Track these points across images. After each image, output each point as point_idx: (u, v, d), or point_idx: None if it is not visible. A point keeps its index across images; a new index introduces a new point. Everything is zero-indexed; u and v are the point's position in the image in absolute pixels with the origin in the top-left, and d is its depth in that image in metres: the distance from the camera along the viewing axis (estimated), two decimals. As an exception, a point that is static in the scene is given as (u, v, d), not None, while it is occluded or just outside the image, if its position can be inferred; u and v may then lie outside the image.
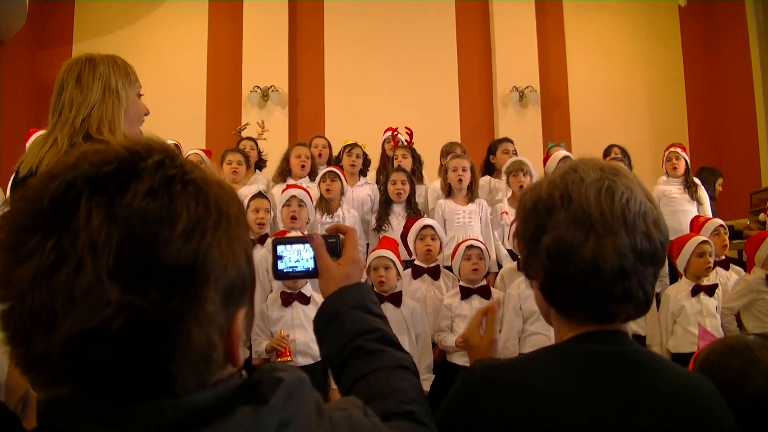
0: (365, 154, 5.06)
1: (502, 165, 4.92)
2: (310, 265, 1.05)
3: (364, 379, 0.93)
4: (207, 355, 0.56)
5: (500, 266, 4.27)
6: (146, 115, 2.13)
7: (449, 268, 3.82)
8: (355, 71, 7.37)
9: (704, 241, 3.68)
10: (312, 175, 4.78)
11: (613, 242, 0.92)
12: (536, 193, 0.99)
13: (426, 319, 3.51)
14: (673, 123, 7.69)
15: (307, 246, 1.05)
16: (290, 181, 4.64)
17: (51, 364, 0.52)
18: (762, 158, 7.11)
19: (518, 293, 3.44)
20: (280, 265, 1.05)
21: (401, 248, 3.92)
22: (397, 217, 4.40)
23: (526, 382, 0.92)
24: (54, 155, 1.83)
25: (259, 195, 3.99)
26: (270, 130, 5.91)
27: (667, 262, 3.05)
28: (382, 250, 3.48)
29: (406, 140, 5.23)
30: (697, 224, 4.16)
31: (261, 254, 3.63)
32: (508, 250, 4.34)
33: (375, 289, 3.40)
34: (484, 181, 5.09)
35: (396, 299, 3.40)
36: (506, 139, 5.43)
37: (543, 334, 3.28)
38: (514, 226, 3.85)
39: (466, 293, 3.52)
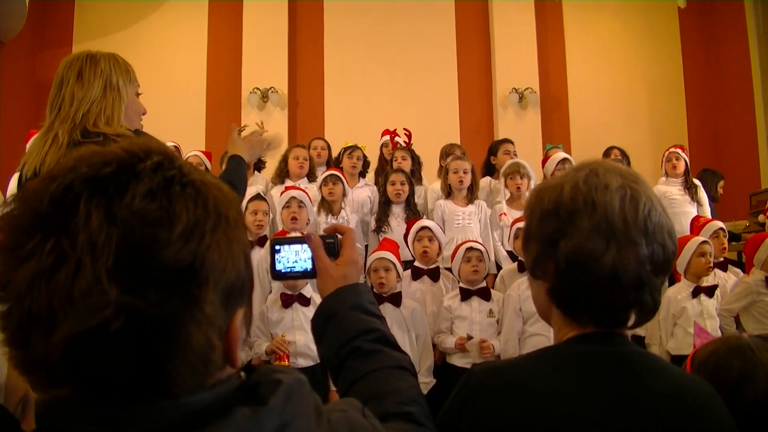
0: (364, 156, 5.06)
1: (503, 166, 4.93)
2: (308, 265, 1.05)
3: (362, 380, 0.93)
4: (206, 356, 0.56)
5: (499, 267, 4.27)
6: (144, 114, 2.13)
7: (449, 270, 3.81)
8: (354, 73, 7.36)
9: (704, 242, 3.68)
10: (310, 176, 4.79)
11: (634, 252, 0.92)
12: (557, 195, 0.97)
13: (426, 319, 3.51)
14: (672, 124, 7.68)
15: (305, 246, 1.05)
16: (288, 183, 4.64)
17: (50, 365, 0.52)
18: (761, 159, 7.11)
19: (518, 294, 3.44)
20: (278, 266, 1.05)
21: (404, 249, 3.93)
22: (396, 219, 4.40)
23: (525, 383, 0.92)
24: (55, 153, 1.82)
25: (257, 197, 3.98)
26: (270, 131, 5.89)
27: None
28: (382, 252, 3.48)
29: (404, 142, 5.23)
30: (697, 225, 4.16)
31: (261, 255, 3.63)
32: (508, 252, 4.34)
33: (375, 290, 3.40)
34: (485, 182, 5.10)
35: (396, 299, 3.40)
36: (507, 140, 5.43)
37: (543, 335, 3.28)
38: (519, 224, 3.85)
39: (465, 295, 3.52)
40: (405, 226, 4.27)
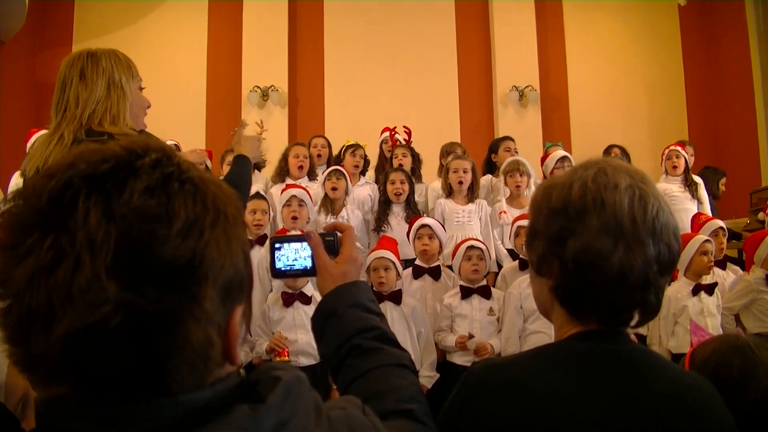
0: (365, 154, 5.06)
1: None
2: (308, 263, 1.05)
3: (362, 378, 0.93)
4: (205, 352, 0.56)
5: (500, 266, 4.27)
6: (148, 107, 2.12)
7: (450, 267, 3.81)
8: (354, 71, 7.36)
9: (706, 240, 3.68)
10: (311, 174, 4.78)
11: (641, 252, 0.92)
12: (566, 193, 0.97)
13: (427, 317, 3.51)
14: (672, 123, 7.68)
15: (305, 244, 1.05)
16: (289, 181, 4.64)
17: (49, 362, 0.52)
18: (762, 157, 7.11)
19: (519, 292, 3.44)
20: (278, 264, 1.05)
21: (408, 248, 3.93)
22: (396, 217, 4.39)
23: (525, 381, 0.92)
24: (59, 152, 1.81)
25: (257, 196, 3.95)
26: (270, 129, 5.90)
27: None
28: (382, 251, 3.47)
29: (404, 139, 5.23)
30: (697, 223, 4.15)
31: (261, 254, 3.63)
32: (508, 250, 4.34)
33: (374, 289, 3.40)
34: (485, 179, 5.09)
35: (396, 298, 3.40)
36: (508, 138, 5.43)
37: (544, 333, 3.29)
38: (520, 222, 3.85)
39: (466, 293, 3.52)
40: (405, 224, 4.28)
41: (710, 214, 4.59)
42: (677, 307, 3.57)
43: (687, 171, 5.02)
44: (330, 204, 4.35)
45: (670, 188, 4.88)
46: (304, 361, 3.21)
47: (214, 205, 0.58)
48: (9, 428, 0.72)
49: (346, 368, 0.96)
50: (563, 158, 4.79)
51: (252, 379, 0.61)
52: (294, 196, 3.92)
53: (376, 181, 4.98)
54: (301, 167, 4.72)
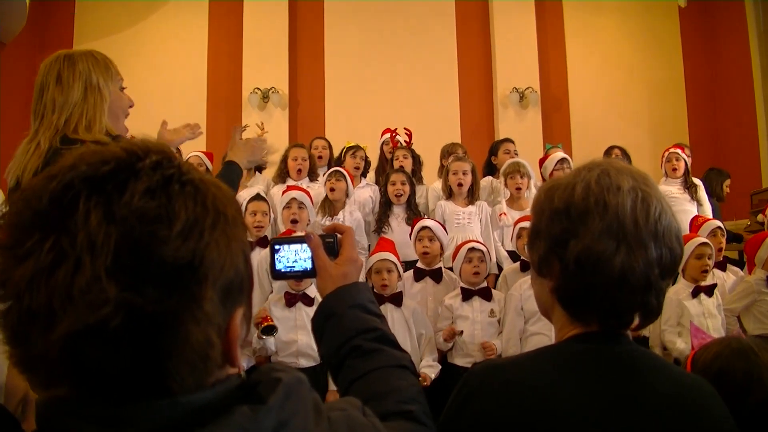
0: (366, 156, 5.07)
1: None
2: (308, 265, 1.05)
3: (362, 379, 0.93)
4: (205, 353, 0.56)
5: (500, 268, 4.27)
6: (131, 107, 2.08)
7: (451, 269, 3.81)
8: (355, 73, 7.37)
9: (704, 243, 3.65)
10: (312, 175, 4.78)
11: (643, 255, 0.92)
12: (568, 194, 0.97)
13: (427, 319, 3.51)
14: (673, 124, 7.68)
15: (305, 246, 1.05)
16: (290, 182, 4.64)
17: (49, 363, 0.53)
18: (762, 159, 7.11)
19: (520, 293, 3.45)
20: (278, 265, 1.06)
21: (411, 249, 3.93)
22: (397, 219, 4.39)
23: (525, 382, 0.92)
24: (36, 160, 1.79)
25: (257, 197, 3.94)
26: (270, 131, 5.91)
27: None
28: (384, 253, 3.47)
29: (405, 141, 5.24)
30: (696, 224, 4.15)
31: (261, 256, 3.62)
32: (509, 251, 4.34)
33: (377, 291, 3.41)
34: (486, 181, 5.09)
35: (396, 299, 3.40)
36: (507, 140, 5.44)
37: (544, 335, 3.29)
38: (522, 223, 3.85)
39: (467, 295, 3.52)
40: (405, 226, 4.28)
41: (710, 216, 4.59)
42: (678, 309, 3.55)
43: (687, 173, 5.02)
44: (329, 205, 4.35)
45: (670, 190, 4.88)
46: (304, 363, 3.21)
47: (214, 206, 0.58)
48: (9, 430, 0.72)
49: (346, 369, 0.96)
50: (562, 160, 4.79)
51: (252, 380, 0.61)
52: (294, 199, 3.92)
53: (376, 183, 4.98)
54: (299, 170, 4.72)
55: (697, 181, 5.09)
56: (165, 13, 7.31)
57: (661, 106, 7.75)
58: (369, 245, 4.40)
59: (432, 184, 5.02)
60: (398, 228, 4.32)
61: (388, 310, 3.36)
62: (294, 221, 3.85)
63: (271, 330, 3.11)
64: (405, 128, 5.31)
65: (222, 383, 0.59)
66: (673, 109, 7.78)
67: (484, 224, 4.43)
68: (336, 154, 5.29)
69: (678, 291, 3.61)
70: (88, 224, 0.52)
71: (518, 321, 3.44)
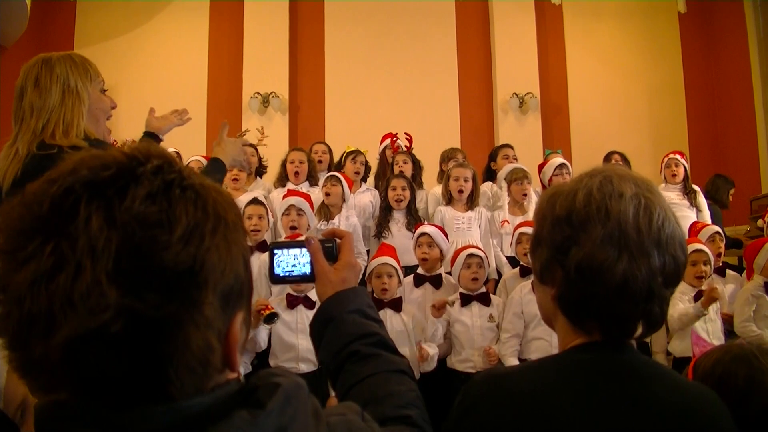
0: (366, 161, 5.07)
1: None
2: (307, 269, 1.05)
3: (360, 384, 0.93)
4: (205, 358, 0.56)
5: (499, 274, 4.27)
6: (113, 108, 2.07)
7: (450, 273, 3.81)
8: (355, 78, 7.38)
9: (697, 250, 3.63)
10: (311, 180, 4.79)
11: (645, 263, 0.91)
12: (570, 201, 0.96)
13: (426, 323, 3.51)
14: (673, 129, 7.69)
15: (304, 250, 1.05)
16: (290, 186, 4.65)
17: (49, 367, 0.53)
18: (762, 164, 7.12)
19: (520, 297, 3.46)
20: (277, 270, 1.05)
21: (408, 255, 3.93)
22: (397, 224, 4.39)
23: (527, 392, 0.91)
24: (15, 166, 1.79)
25: (254, 201, 3.92)
26: (270, 136, 5.91)
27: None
28: (384, 257, 3.47)
29: (405, 146, 5.24)
30: (694, 230, 4.15)
31: (259, 260, 3.62)
32: (509, 257, 4.33)
33: (377, 296, 3.40)
34: (486, 186, 5.09)
35: (396, 305, 3.40)
36: (506, 145, 5.43)
37: (544, 339, 3.30)
38: (521, 229, 3.85)
39: (465, 300, 3.52)
40: (405, 231, 4.28)
41: (709, 222, 4.59)
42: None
43: (686, 179, 5.02)
44: (325, 210, 4.35)
45: (669, 196, 4.87)
46: (305, 368, 3.20)
47: (214, 211, 0.58)
48: (9, 434, 0.73)
49: (345, 374, 0.96)
50: (561, 165, 4.78)
51: (251, 385, 0.61)
52: (292, 206, 3.91)
53: (376, 187, 4.98)
54: (297, 173, 4.73)
55: (696, 187, 5.09)
56: (165, 18, 7.32)
57: (661, 112, 7.76)
58: (368, 250, 4.40)
59: (432, 189, 5.01)
60: (398, 233, 4.32)
61: (387, 315, 3.35)
62: (293, 227, 3.85)
63: (272, 317, 3.11)
64: (405, 133, 5.32)
65: (221, 388, 0.60)
66: (673, 114, 7.79)
67: (483, 230, 4.43)
68: (336, 158, 5.29)
69: (678, 294, 3.61)
70: (88, 229, 0.52)
71: (517, 322, 3.43)
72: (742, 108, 7.36)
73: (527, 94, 7.31)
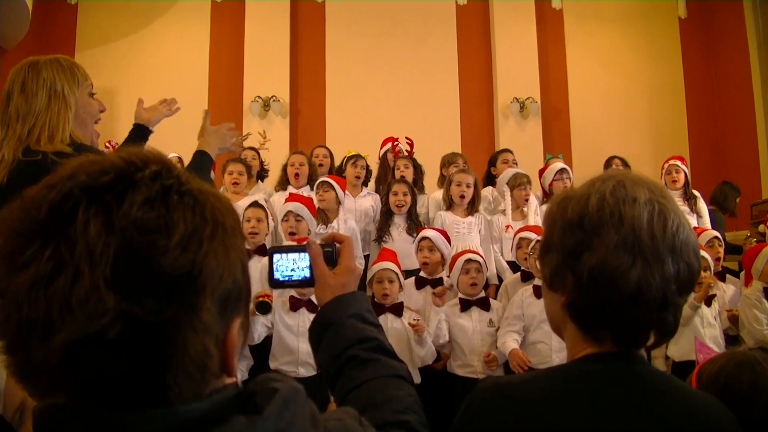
0: (367, 165, 5.07)
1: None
2: (306, 273, 1.05)
3: (359, 389, 0.93)
4: (203, 363, 0.56)
5: (500, 279, 4.26)
6: (102, 111, 2.05)
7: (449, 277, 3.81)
8: (356, 82, 7.39)
9: None
10: (312, 183, 4.79)
11: (660, 270, 0.89)
12: (582, 206, 0.94)
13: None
14: (673, 133, 7.70)
15: (303, 255, 1.05)
16: (291, 189, 4.65)
17: (47, 371, 0.53)
18: (762, 169, 7.12)
19: (521, 299, 3.46)
20: (276, 274, 1.05)
21: (409, 259, 3.93)
22: (398, 228, 4.39)
23: (532, 401, 0.90)
24: (1, 172, 1.77)
25: (253, 204, 3.89)
26: (271, 140, 5.93)
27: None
28: (386, 263, 3.47)
29: (406, 150, 5.24)
30: (693, 236, 4.14)
31: (262, 263, 3.61)
32: (509, 262, 4.33)
33: (377, 301, 3.40)
34: (486, 191, 5.09)
35: (397, 310, 3.40)
36: (506, 150, 5.45)
37: (544, 343, 3.30)
38: (522, 234, 3.85)
39: (465, 305, 3.52)
40: (406, 236, 4.28)
41: (709, 228, 4.59)
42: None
43: (687, 185, 5.03)
44: (322, 215, 4.35)
45: (669, 201, 4.87)
46: (304, 372, 3.19)
47: (212, 216, 0.58)
48: (7, 437, 0.73)
49: (344, 379, 0.96)
50: (561, 170, 4.78)
51: (249, 390, 0.61)
52: (290, 212, 3.89)
53: (377, 191, 4.98)
54: (297, 175, 4.73)
55: (696, 192, 5.09)
56: (166, 21, 7.33)
57: (662, 115, 7.77)
58: (368, 255, 4.40)
59: (433, 194, 5.01)
60: (399, 237, 4.32)
61: (388, 320, 3.35)
62: (292, 233, 3.84)
63: (264, 306, 3.09)
64: (406, 137, 5.32)
65: (219, 393, 0.59)
66: (673, 118, 7.80)
67: (483, 235, 4.43)
68: (337, 162, 5.29)
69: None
70: (87, 234, 0.52)
71: (516, 322, 3.42)
72: (742, 111, 7.37)
73: (528, 98, 7.31)
